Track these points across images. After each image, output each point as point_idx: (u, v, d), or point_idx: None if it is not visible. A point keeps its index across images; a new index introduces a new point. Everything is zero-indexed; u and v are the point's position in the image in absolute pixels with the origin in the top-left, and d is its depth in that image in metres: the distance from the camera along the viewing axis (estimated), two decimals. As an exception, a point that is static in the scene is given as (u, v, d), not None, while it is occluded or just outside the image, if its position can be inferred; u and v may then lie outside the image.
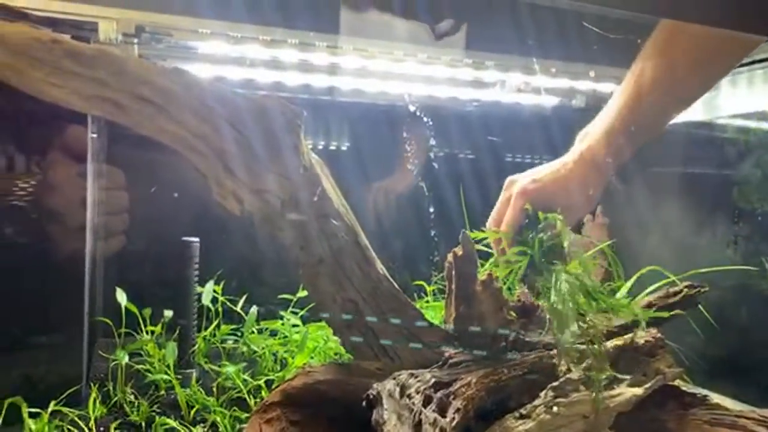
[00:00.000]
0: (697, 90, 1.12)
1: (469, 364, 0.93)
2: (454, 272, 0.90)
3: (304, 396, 0.87)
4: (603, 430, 1.00)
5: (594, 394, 0.94)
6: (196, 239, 1.10)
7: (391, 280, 0.96)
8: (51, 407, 0.92)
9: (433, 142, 1.70)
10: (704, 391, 1.31)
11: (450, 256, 0.89)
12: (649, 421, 1.04)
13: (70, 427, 0.91)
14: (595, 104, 1.61)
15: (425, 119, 1.42)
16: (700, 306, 1.14)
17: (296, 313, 1.25)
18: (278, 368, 1.14)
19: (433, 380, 0.84)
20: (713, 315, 1.30)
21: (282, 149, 0.76)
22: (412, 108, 1.41)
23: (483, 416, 0.90)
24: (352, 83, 1.40)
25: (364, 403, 0.78)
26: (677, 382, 1.15)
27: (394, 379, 0.79)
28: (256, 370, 1.13)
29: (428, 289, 1.35)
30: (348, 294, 0.94)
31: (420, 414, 0.73)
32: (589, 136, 1.12)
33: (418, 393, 0.79)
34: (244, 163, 0.74)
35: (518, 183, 1.05)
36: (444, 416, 0.78)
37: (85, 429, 0.91)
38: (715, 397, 1.28)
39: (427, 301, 1.31)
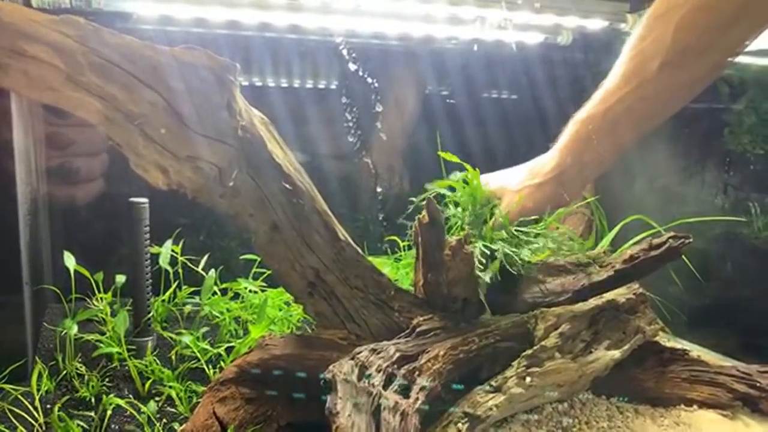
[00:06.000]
0: (724, 53, 0.91)
1: (438, 332, 0.87)
2: (420, 239, 0.82)
3: (261, 372, 0.82)
4: (578, 396, 0.97)
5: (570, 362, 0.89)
6: (145, 200, 1.01)
7: (354, 245, 0.89)
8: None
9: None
10: (685, 343, 1.29)
11: (416, 223, 0.81)
12: (628, 380, 1.01)
13: (11, 406, 0.85)
14: (582, 42, 1.50)
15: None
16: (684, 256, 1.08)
17: (261, 275, 1.18)
18: (241, 333, 1.08)
19: (398, 355, 0.79)
20: (698, 265, 1.26)
21: (212, 110, 0.66)
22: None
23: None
24: (316, 20, 1.27)
25: (321, 384, 0.72)
26: (657, 336, 1.12)
27: (353, 358, 0.73)
28: (216, 337, 1.07)
29: (401, 244, 1.28)
30: (308, 261, 0.87)
31: (379, 398, 0.67)
32: (574, 130, 0.99)
33: (379, 372, 0.73)
34: (166, 128, 0.63)
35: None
36: (407, 396, 0.72)
37: (30, 407, 0.86)
38: (696, 349, 1.26)
39: (398, 258, 1.25)
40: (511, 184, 1.05)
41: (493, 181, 1.07)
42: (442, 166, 1.11)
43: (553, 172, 1.01)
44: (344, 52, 1.25)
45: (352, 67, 1.19)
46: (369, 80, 1.31)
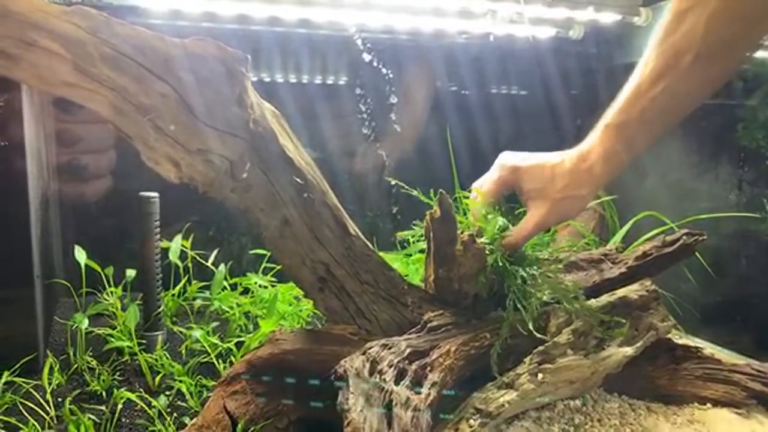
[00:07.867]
0: (753, 44, 0.88)
1: (450, 328, 0.86)
2: (431, 234, 0.81)
3: (271, 367, 0.81)
4: (590, 393, 0.96)
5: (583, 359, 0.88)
6: (155, 194, 1.00)
7: (365, 239, 0.88)
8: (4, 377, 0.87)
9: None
10: (698, 341, 1.28)
11: (427, 217, 0.81)
12: (640, 377, 1.00)
13: (22, 399, 0.85)
14: (594, 35, 1.48)
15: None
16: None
17: (271, 269, 1.18)
18: (251, 328, 1.08)
19: (409, 350, 0.78)
20: (711, 261, 1.24)
21: (223, 102, 0.66)
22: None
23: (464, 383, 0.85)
24: (326, 14, 1.26)
25: (333, 379, 0.71)
26: (670, 333, 1.10)
27: (364, 353, 0.73)
28: (226, 331, 1.06)
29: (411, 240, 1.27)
30: (318, 256, 0.86)
31: (391, 393, 0.67)
32: (609, 135, 0.92)
33: (390, 367, 0.73)
34: (177, 120, 0.63)
35: (501, 156, 0.97)
36: (419, 392, 0.72)
37: (41, 401, 0.86)
38: (709, 347, 1.25)
39: (409, 254, 1.24)
40: (552, 187, 0.94)
41: (523, 161, 0.97)
42: (452, 164, 1.11)
43: (596, 182, 0.97)
44: (358, 42, 1.23)
45: (366, 57, 1.17)
46: (383, 71, 1.30)
